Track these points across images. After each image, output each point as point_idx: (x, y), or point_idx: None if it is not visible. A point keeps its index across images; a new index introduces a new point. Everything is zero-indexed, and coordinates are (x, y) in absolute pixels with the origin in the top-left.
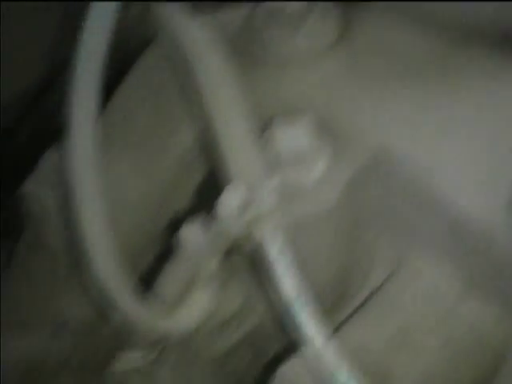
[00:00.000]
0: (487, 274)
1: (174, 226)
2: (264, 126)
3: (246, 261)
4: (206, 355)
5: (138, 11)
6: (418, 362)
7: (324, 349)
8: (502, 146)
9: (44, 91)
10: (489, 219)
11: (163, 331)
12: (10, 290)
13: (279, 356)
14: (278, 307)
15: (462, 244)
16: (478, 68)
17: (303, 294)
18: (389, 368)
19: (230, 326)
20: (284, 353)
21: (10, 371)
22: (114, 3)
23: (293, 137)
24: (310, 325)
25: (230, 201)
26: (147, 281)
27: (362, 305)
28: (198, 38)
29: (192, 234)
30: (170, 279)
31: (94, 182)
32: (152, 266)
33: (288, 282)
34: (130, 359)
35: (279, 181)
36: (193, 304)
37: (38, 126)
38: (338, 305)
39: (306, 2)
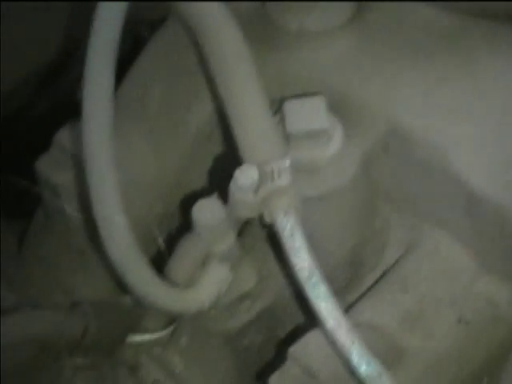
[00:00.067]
0: (502, 250)
1: (187, 205)
2: (277, 106)
3: (259, 240)
4: (219, 335)
5: None
6: (432, 340)
7: (337, 328)
8: None
9: (58, 70)
10: (503, 196)
11: (177, 310)
12: (22, 270)
13: (291, 336)
14: (291, 287)
15: (476, 221)
16: (492, 45)
17: (316, 273)
18: (402, 346)
19: (242, 306)
20: (296, 332)
21: (23, 349)
22: None
23: (306, 115)
24: (322, 304)
25: (243, 179)
26: (158, 263)
27: (376, 284)
28: (214, 14)
29: (206, 213)
30: (183, 258)
31: (109, 159)
32: (162, 248)
33: (301, 261)
34: (142, 341)
35: (293, 159)
36: (206, 283)
37: (51, 104)
38: (352, 284)
39: None
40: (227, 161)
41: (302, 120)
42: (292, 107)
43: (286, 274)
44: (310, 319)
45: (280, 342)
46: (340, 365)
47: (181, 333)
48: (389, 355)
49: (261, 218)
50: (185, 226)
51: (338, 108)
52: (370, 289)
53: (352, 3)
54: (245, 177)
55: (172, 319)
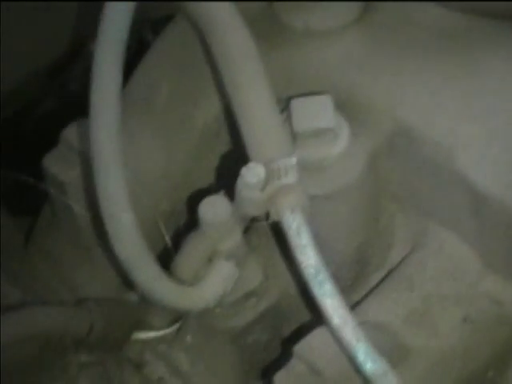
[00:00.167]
0: (507, 250)
1: (194, 202)
2: (284, 104)
3: (265, 238)
4: (224, 333)
5: None
6: (437, 339)
7: (343, 325)
8: None
9: (65, 68)
10: (508, 196)
11: (183, 307)
12: (28, 267)
13: (297, 334)
14: (296, 285)
15: (481, 221)
16: (498, 45)
17: (322, 270)
18: (407, 345)
19: (248, 304)
20: (301, 330)
21: (29, 345)
22: None
23: (313, 114)
24: (328, 301)
25: (250, 177)
26: (164, 260)
27: (381, 282)
28: (222, 12)
29: (212, 210)
30: (190, 255)
31: (116, 156)
32: (169, 245)
33: (307, 258)
34: (148, 338)
35: (299, 158)
36: (212, 281)
37: (58, 101)
38: (357, 282)
39: None
40: (234, 158)
41: (309, 118)
42: (299, 106)
43: (292, 272)
44: (316, 317)
45: (285, 340)
46: (345, 362)
47: (186, 330)
48: (394, 353)
49: (267, 215)
50: (191, 223)
51: (345, 107)
52: (375, 287)
53: (359, 3)
54: (251, 174)
55: (177, 317)
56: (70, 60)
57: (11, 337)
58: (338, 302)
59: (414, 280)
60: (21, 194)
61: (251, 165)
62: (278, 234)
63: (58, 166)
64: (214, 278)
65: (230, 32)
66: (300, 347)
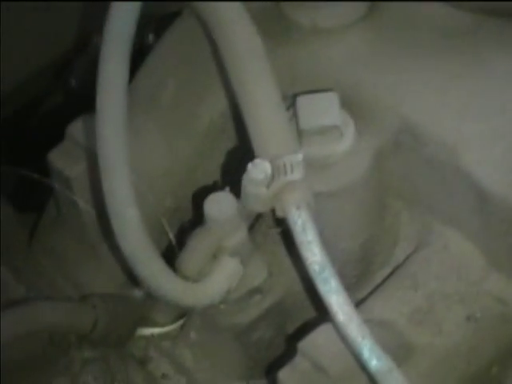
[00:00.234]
0: (511, 247)
1: (199, 199)
2: (290, 101)
3: (269, 235)
4: (228, 329)
5: None
6: (441, 337)
7: (348, 322)
8: None
9: (70, 63)
10: None
11: (188, 303)
12: (32, 263)
13: (301, 330)
14: (301, 282)
15: (486, 219)
16: (503, 43)
17: (327, 267)
18: (411, 343)
19: (252, 301)
20: (306, 327)
21: (33, 341)
22: None
23: (318, 111)
24: (333, 298)
25: (256, 173)
26: (168, 257)
27: (386, 280)
28: (229, 9)
29: (217, 206)
30: (194, 252)
31: (122, 151)
32: (173, 242)
33: (312, 255)
34: (152, 334)
35: (305, 155)
36: (217, 277)
37: (64, 97)
38: (362, 280)
39: None
40: (239, 155)
41: (315, 116)
42: (304, 103)
43: (297, 269)
44: (320, 314)
45: (289, 337)
46: (350, 359)
47: (190, 327)
48: (398, 351)
49: (273, 212)
50: (196, 220)
51: (350, 104)
52: (380, 285)
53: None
54: (257, 171)
55: (182, 313)
56: (75, 57)
57: (15, 332)
58: (343, 299)
59: (419, 278)
60: (26, 190)
61: (257, 161)
62: (283, 230)
63: (63, 161)
64: (219, 275)
65: (237, 29)
66: (304, 344)
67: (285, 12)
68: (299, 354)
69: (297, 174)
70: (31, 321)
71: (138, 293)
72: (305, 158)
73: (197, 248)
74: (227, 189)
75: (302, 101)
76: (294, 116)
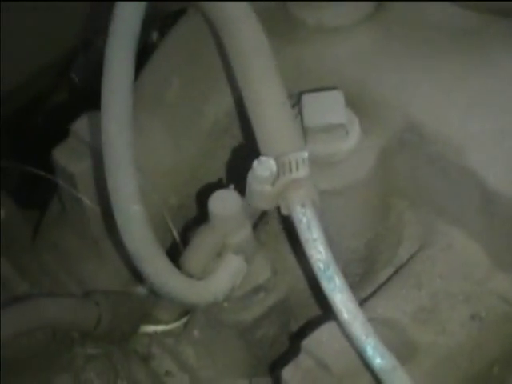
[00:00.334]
0: None
1: (204, 197)
2: (295, 99)
3: (274, 233)
4: (232, 327)
5: None
6: (445, 336)
7: (352, 320)
8: None
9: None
10: None
11: (191, 300)
12: (36, 259)
13: (305, 329)
14: (304, 280)
15: (490, 219)
16: (509, 43)
17: (332, 265)
18: (415, 341)
19: (256, 298)
20: (309, 325)
21: (38, 337)
22: None
23: (324, 110)
24: (337, 296)
25: (261, 171)
26: (171, 255)
27: (390, 279)
28: (235, 8)
29: (222, 204)
30: (199, 249)
31: (127, 148)
32: (177, 239)
33: (317, 253)
34: (155, 332)
35: (310, 153)
36: (221, 275)
37: (68, 94)
38: (366, 279)
39: None
40: (244, 153)
41: (320, 114)
42: (310, 101)
43: (301, 267)
44: (324, 312)
45: (293, 335)
46: (353, 357)
47: (194, 324)
48: (402, 350)
49: (277, 210)
50: (201, 217)
51: (356, 103)
52: (383, 284)
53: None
54: (262, 168)
55: (185, 311)
56: (78, 55)
57: (18, 329)
58: (348, 297)
59: (423, 277)
60: (30, 187)
61: (262, 158)
62: (287, 228)
63: (68, 158)
64: (223, 272)
65: (244, 28)
66: (308, 342)
67: (291, 11)
68: (303, 352)
69: (302, 172)
70: (34, 317)
71: (141, 290)
72: (310, 155)
73: (201, 245)
74: (232, 186)
75: (307, 99)
76: (300, 114)
